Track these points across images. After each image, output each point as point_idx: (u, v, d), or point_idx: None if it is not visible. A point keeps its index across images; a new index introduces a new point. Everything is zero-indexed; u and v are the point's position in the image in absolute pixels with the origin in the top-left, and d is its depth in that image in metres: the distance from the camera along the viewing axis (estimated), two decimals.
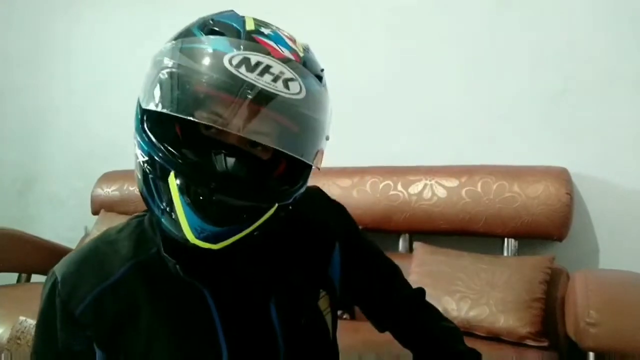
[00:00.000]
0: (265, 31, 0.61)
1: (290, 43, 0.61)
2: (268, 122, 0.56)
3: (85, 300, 0.63)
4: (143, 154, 0.59)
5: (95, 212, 2.47)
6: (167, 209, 0.58)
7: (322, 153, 0.63)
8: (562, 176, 1.65)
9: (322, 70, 0.65)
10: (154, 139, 0.58)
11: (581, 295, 1.28)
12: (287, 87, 0.56)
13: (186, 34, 0.61)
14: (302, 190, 0.64)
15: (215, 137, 0.60)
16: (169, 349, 0.63)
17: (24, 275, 2.31)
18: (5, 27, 3.17)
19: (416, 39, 2.06)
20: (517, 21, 1.90)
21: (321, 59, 0.69)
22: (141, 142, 0.59)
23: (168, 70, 0.58)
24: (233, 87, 0.54)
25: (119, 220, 2.64)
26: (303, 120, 0.58)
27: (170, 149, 0.57)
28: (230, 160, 0.56)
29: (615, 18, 1.76)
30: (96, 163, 2.65)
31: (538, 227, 1.62)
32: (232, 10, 0.65)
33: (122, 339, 0.64)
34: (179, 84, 0.57)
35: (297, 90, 0.57)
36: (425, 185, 1.78)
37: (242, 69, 0.55)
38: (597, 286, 1.31)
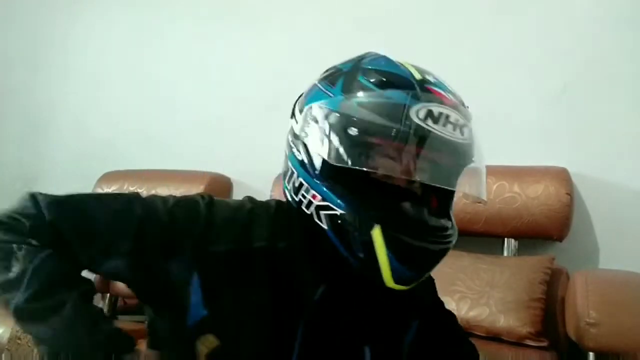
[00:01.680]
0: (431, 79, 0.64)
1: (448, 86, 0.65)
2: (458, 170, 0.64)
3: (221, 247, 0.63)
4: (335, 207, 0.60)
5: None
6: (366, 258, 0.60)
7: None
8: (562, 176, 1.65)
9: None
10: (355, 196, 0.61)
11: (581, 295, 1.27)
12: (462, 133, 0.61)
13: (355, 86, 0.63)
14: None
15: (384, 179, 0.62)
16: (253, 340, 0.63)
17: None
18: (5, 27, 3.16)
19: (416, 40, 2.06)
20: (518, 21, 1.90)
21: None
22: (333, 196, 0.61)
23: (357, 127, 0.60)
24: (426, 141, 0.59)
25: None
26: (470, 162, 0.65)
27: (376, 207, 0.60)
28: (424, 210, 0.62)
29: (615, 18, 1.76)
30: (96, 163, 2.65)
31: (538, 227, 1.62)
32: (384, 56, 0.69)
33: (225, 301, 0.63)
34: (374, 142, 0.60)
35: (468, 134, 0.63)
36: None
37: (429, 122, 0.59)
38: (597, 286, 1.31)
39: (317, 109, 0.64)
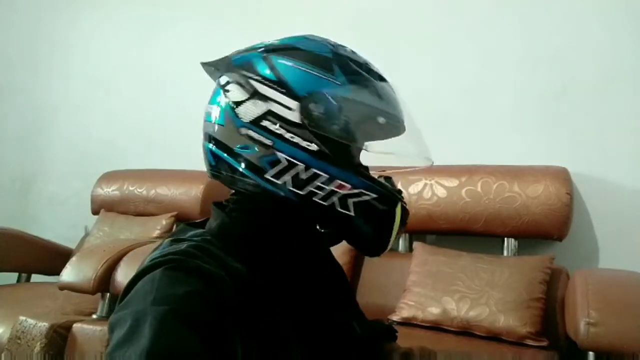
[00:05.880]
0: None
1: None
2: None
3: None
4: (369, 192, 0.64)
5: (95, 212, 2.47)
6: (382, 234, 0.66)
7: None
8: (562, 176, 1.65)
9: None
10: (373, 180, 0.65)
11: (581, 295, 1.27)
12: None
13: (357, 75, 0.68)
14: None
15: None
16: None
17: (24, 275, 2.31)
18: (5, 27, 3.17)
19: (415, 39, 2.06)
20: (517, 21, 1.90)
21: None
22: (367, 183, 0.64)
23: (369, 111, 0.69)
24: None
25: (119, 220, 2.61)
26: None
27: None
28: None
29: (615, 18, 1.76)
30: (96, 163, 2.65)
31: (538, 227, 1.62)
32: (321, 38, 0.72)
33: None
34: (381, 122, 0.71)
35: None
36: (425, 185, 1.78)
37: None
38: (597, 286, 1.31)
39: (327, 97, 0.64)
